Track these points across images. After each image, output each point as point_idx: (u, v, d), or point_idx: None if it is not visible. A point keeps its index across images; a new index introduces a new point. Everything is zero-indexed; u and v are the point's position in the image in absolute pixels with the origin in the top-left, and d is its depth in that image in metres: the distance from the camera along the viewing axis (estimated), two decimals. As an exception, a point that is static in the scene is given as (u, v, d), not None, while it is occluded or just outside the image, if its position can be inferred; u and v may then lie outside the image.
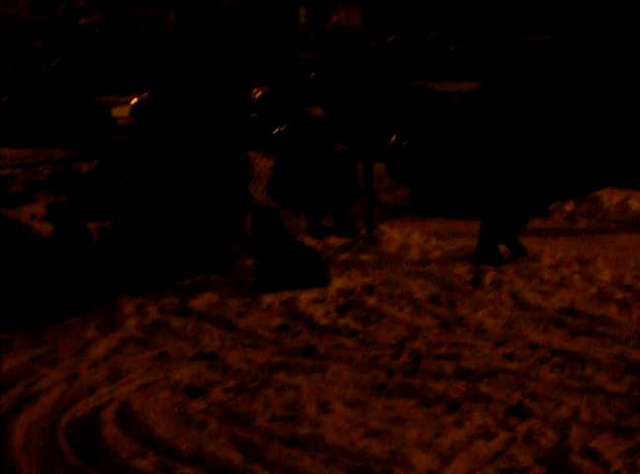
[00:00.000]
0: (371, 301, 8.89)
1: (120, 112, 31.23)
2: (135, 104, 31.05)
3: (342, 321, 8.44)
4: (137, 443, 5.88)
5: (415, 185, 14.52)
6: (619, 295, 8.88)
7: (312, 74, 25.64)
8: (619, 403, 6.33)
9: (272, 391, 6.68)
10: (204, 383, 6.93)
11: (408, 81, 25.84)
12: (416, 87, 24.38)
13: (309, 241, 11.21)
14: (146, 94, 31.10)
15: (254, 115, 25.25)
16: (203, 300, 9.14)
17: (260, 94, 26.25)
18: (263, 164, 13.33)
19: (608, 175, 14.58)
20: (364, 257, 10.61)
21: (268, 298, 9.08)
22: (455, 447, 5.68)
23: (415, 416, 6.19)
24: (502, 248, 10.40)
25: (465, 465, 5.45)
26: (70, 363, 7.64)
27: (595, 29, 36.62)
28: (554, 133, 13.60)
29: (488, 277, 9.61)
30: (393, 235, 11.21)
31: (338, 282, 9.66)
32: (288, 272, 9.70)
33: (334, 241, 11.32)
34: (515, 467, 5.41)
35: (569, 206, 13.23)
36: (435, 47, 37.23)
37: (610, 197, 13.45)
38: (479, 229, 10.46)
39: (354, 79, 24.28)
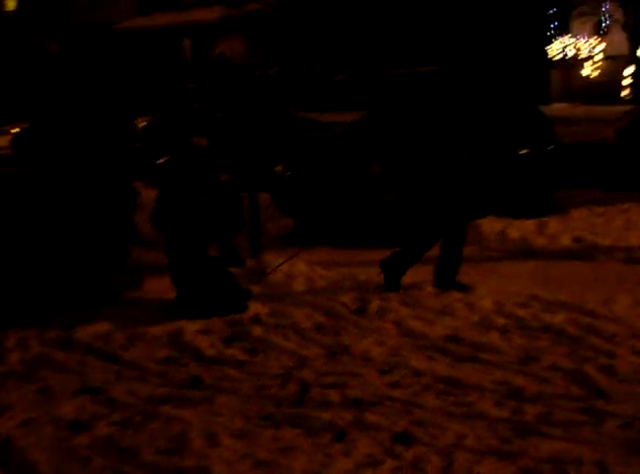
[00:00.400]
0: (258, 331, 8.86)
1: (1, 141, 30.77)
2: (16, 133, 30.62)
3: (228, 352, 8.39)
4: (20, 481, 5.77)
5: (299, 215, 14.59)
6: (500, 322, 9.03)
7: (197, 104, 25.56)
8: (502, 428, 6.41)
9: (158, 424, 6.59)
10: (89, 417, 6.80)
11: (292, 112, 25.92)
12: (300, 118, 24.50)
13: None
14: (28, 123, 30.70)
15: (138, 144, 25.11)
16: (88, 333, 8.99)
17: (144, 124, 26.12)
18: (148, 194, 13.20)
19: (488, 204, 14.82)
20: (252, 287, 10.58)
21: (153, 330, 9.00)
22: (344, 476, 5.70)
23: (302, 446, 6.17)
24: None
25: (353, 494, 5.48)
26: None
27: (474, 61, 37.39)
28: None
29: (373, 306, 9.66)
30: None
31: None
32: (207, 298, 9.75)
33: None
34: (401, 495, 5.45)
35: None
36: (318, 78, 37.50)
37: (490, 226, 13.67)
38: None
39: (238, 109, 24.30)
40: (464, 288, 10.24)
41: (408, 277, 10.60)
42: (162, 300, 10.27)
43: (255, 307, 9.78)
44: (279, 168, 14.72)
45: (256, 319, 9.31)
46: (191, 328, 9.00)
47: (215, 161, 12.28)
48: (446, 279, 10.42)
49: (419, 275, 10.78)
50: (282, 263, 11.02)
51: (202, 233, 12.01)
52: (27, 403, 7.21)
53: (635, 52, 34.56)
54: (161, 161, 13.91)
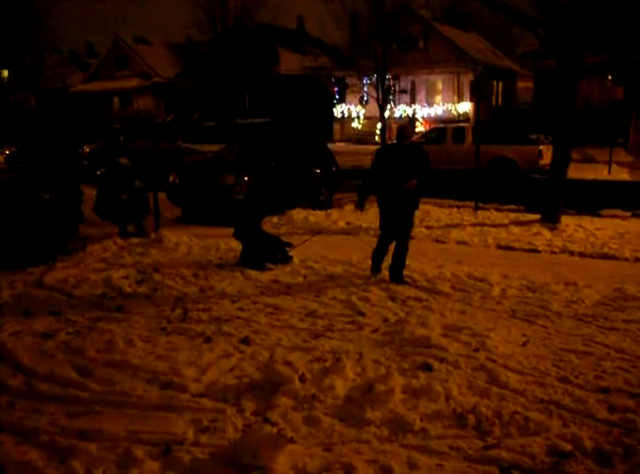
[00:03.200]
0: (158, 277, 8.69)
1: (-1, 159, 29.53)
2: (8, 154, 29.29)
3: (139, 289, 8.23)
4: (10, 370, 5.54)
5: (183, 205, 14.49)
6: (303, 272, 9.13)
7: (122, 137, 25.01)
8: (304, 333, 6.55)
9: (96, 334, 6.44)
10: (54, 330, 6.60)
11: (180, 144, 25.68)
12: (184, 147, 24.31)
13: (119, 241, 10.95)
14: (15, 148, 29.41)
15: (85, 162, 24.51)
16: (52, 278, 8.65)
17: (89, 149, 25.55)
18: (90, 192, 12.85)
19: (296, 200, 14.95)
20: (153, 250, 10.34)
21: (93, 276, 8.72)
22: (209, 364, 5.70)
23: (185, 346, 6.16)
24: None
25: (215, 374, 5.49)
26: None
27: (287, 116, 37.72)
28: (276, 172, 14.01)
29: (229, 262, 9.64)
30: (171, 237, 11.01)
31: (136, 266, 9.42)
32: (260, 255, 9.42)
33: (135, 241, 11.05)
34: (243, 374, 5.48)
35: (275, 219, 13.45)
36: (197, 123, 37.33)
37: (298, 214, 13.76)
38: None
39: (148, 141, 23.98)
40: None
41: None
42: (98, 258, 9.99)
43: (155, 263, 9.60)
44: (171, 177, 14.55)
45: (156, 269, 9.11)
46: (116, 275, 8.76)
47: (133, 173, 12.05)
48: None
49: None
50: (302, 243, 10.42)
51: (125, 217, 11.81)
52: (14, 322, 6.92)
53: (382, 115, 35.12)
54: (99, 172, 13.54)
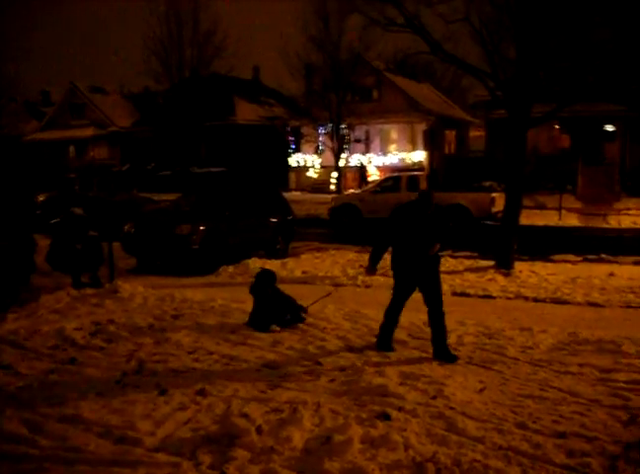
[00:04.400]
0: (112, 328, 8.51)
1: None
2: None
3: (93, 341, 8.02)
4: (-44, 426, 5.34)
5: (139, 255, 14.29)
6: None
7: (76, 187, 24.68)
8: (260, 384, 6.43)
9: (47, 387, 6.25)
10: (3, 384, 6.39)
11: (136, 193, 25.49)
12: (140, 197, 24.14)
13: (72, 292, 10.73)
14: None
15: (39, 211, 24.11)
16: (4, 329, 8.44)
17: (43, 198, 25.17)
18: (43, 242, 12.63)
19: (252, 249, 14.91)
20: (108, 301, 10.17)
21: (45, 328, 8.49)
22: (165, 417, 5.57)
23: (140, 399, 5.99)
24: None
25: (171, 427, 5.36)
26: None
27: (243, 166, 37.78)
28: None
29: (184, 313, 9.50)
30: (126, 287, 10.86)
31: (90, 317, 9.23)
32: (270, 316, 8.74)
33: (89, 291, 10.85)
34: (200, 427, 5.36)
35: (230, 269, 13.36)
36: (152, 173, 37.23)
37: (254, 264, 13.68)
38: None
39: (103, 190, 23.72)
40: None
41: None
42: (51, 309, 9.77)
43: (110, 314, 9.44)
44: (126, 227, 14.38)
45: (111, 321, 8.92)
46: (69, 326, 8.55)
47: (87, 223, 11.89)
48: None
49: (211, 293, 10.63)
50: (312, 303, 9.58)
51: (79, 267, 11.60)
52: (-39, 376, 6.71)
53: (338, 164, 35.46)
54: (53, 221, 13.29)
